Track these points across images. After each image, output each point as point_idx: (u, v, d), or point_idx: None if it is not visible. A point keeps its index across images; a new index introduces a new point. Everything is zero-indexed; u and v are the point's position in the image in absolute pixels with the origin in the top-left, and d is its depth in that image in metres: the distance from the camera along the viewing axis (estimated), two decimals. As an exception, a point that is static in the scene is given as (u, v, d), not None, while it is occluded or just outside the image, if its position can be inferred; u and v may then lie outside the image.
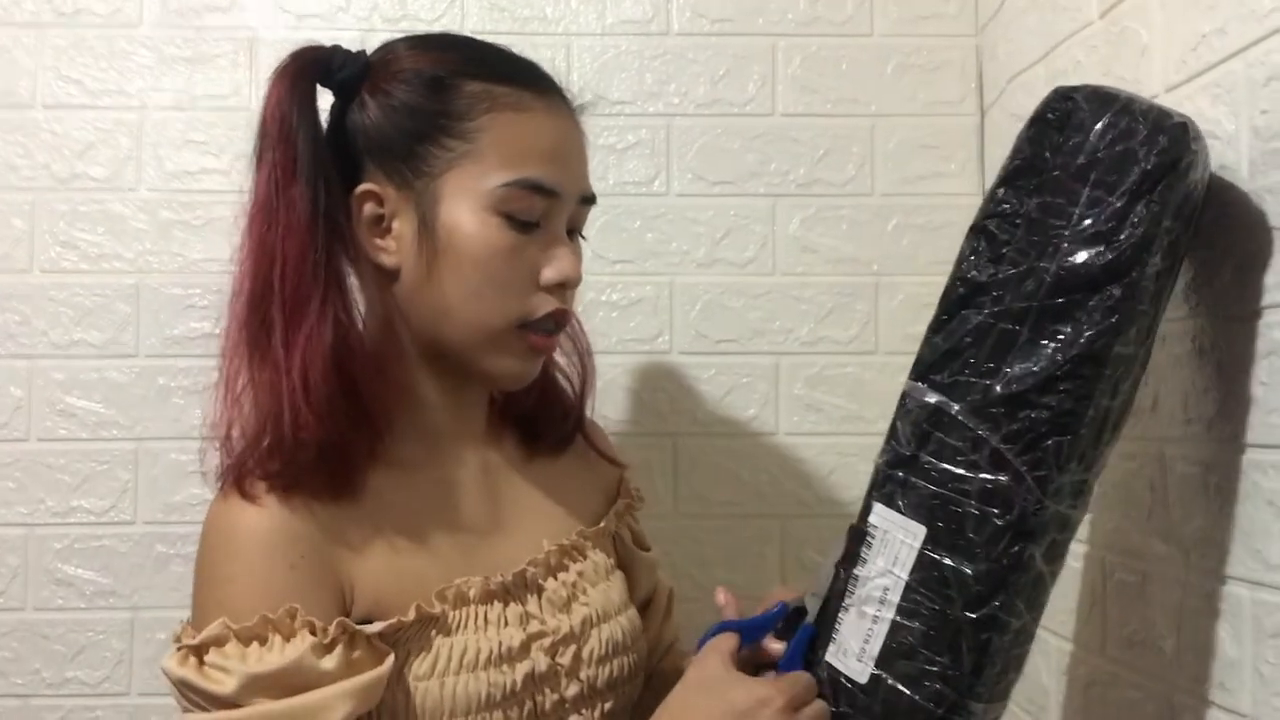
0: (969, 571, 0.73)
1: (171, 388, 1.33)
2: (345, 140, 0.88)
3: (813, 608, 0.84)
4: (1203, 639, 0.83)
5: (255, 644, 0.75)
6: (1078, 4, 1.07)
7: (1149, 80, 0.93)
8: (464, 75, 0.87)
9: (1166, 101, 0.89)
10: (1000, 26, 1.31)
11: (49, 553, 1.31)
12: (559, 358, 1.02)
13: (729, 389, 1.37)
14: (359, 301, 0.90)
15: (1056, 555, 0.76)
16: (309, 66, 0.87)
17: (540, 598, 0.89)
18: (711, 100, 1.39)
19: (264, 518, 0.79)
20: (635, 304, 1.37)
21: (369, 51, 0.91)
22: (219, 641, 0.75)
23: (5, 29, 1.34)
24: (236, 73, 1.36)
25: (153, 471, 1.32)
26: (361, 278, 0.89)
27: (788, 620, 0.85)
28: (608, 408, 1.34)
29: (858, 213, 1.38)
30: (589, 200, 0.92)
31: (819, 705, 0.80)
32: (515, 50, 0.93)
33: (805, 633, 0.83)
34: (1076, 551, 1.01)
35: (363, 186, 0.86)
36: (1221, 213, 0.81)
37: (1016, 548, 0.72)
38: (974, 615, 0.73)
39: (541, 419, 1.01)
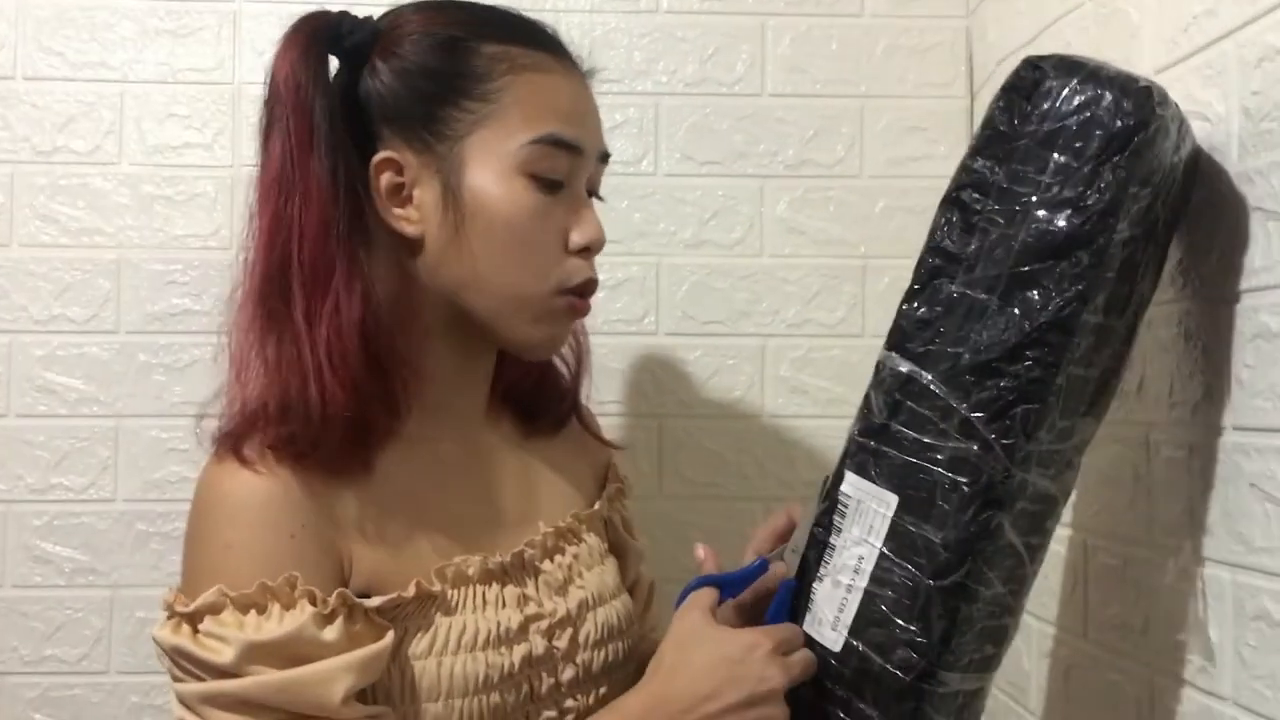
0: (937, 540, 0.74)
1: (152, 364, 1.32)
2: (357, 109, 0.86)
3: (791, 563, 0.84)
4: (1184, 622, 0.83)
5: (253, 612, 0.74)
6: (1069, -15, 1.07)
7: (1139, 62, 0.92)
8: (481, 37, 0.85)
9: (1158, 83, 0.89)
10: (991, 8, 1.30)
11: (28, 529, 1.30)
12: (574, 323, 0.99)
13: (715, 370, 1.37)
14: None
15: (1032, 528, 0.76)
16: (319, 32, 0.85)
17: (537, 580, 0.89)
18: (700, 79, 1.38)
19: (264, 484, 0.77)
20: (622, 284, 1.36)
21: (375, 18, 0.88)
22: (215, 609, 0.74)
23: (-16, -1, 1.32)
24: (220, 46, 1.34)
25: (133, 449, 1.31)
26: (373, 250, 0.85)
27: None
28: (593, 389, 1.32)
29: (846, 194, 1.38)
30: (606, 158, 0.91)
31: (806, 653, 0.80)
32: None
33: (786, 587, 0.83)
34: (1059, 535, 1.01)
35: (381, 154, 0.84)
36: (1209, 194, 0.80)
37: (984, 515, 0.73)
38: (943, 583, 0.74)
39: (539, 400, 1.00)
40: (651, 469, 1.36)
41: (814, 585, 0.81)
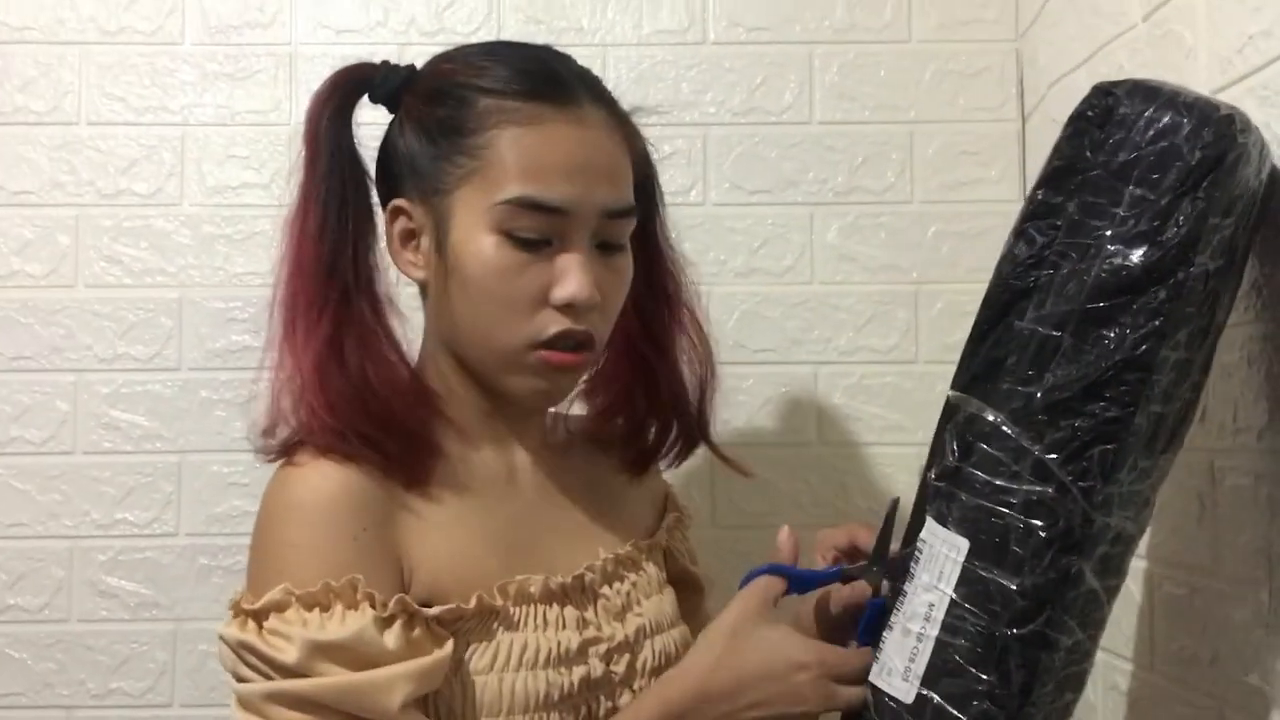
0: (1013, 587, 0.71)
1: (214, 400, 1.34)
2: (386, 155, 0.90)
3: (876, 581, 0.83)
4: (1254, 655, 0.81)
5: (317, 611, 0.76)
6: (1120, 7, 1.06)
7: (1194, 83, 0.91)
8: (479, 90, 0.85)
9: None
10: (1041, 31, 1.29)
11: (93, 565, 1.33)
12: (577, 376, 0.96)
13: (767, 399, 1.36)
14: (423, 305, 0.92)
15: (1112, 570, 0.73)
16: (347, 81, 0.89)
17: (596, 604, 0.90)
18: (748, 109, 1.38)
19: (328, 486, 0.80)
20: (673, 314, 1.36)
21: (417, 66, 0.92)
22: (280, 607, 0.76)
23: (51, 47, 1.36)
24: (277, 88, 1.37)
25: (195, 484, 1.34)
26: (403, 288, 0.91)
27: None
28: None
29: (897, 220, 1.37)
30: (617, 214, 0.87)
31: (858, 691, 0.79)
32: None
33: (874, 606, 0.81)
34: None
35: (394, 202, 0.88)
36: (1271, 216, 0.79)
37: (1064, 561, 0.70)
38: (1020, 632, 0.71)
39: (661, 433, 1.01)
40: (704, 498, 1.36)
41: (882, 634, 0.79)
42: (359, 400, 0.83)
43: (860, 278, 1.37)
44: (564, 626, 0.85)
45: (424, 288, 0.90)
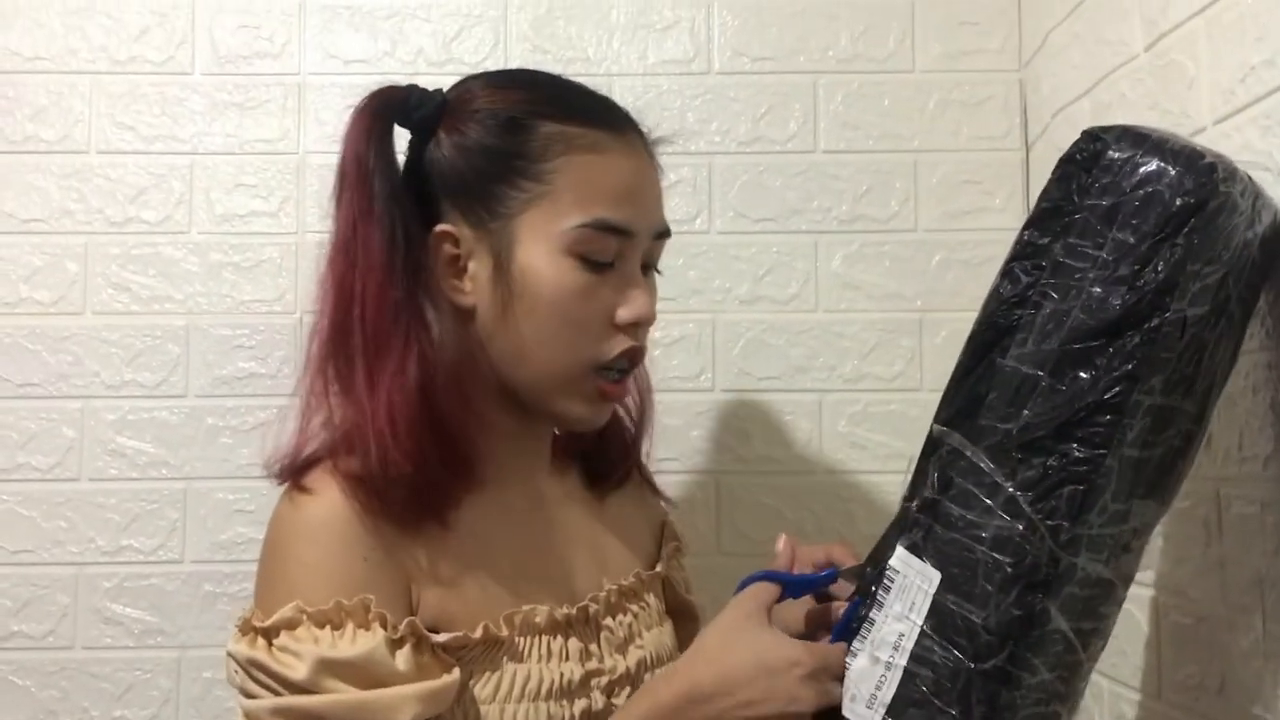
0: (978, 620, 0.72)
1: (220, 427, 1.35)
2: (422, 179, 0.89)
3: (860, 581, 0.83)
4: (1261, 684, 0.81)
5: (329, 629, 0.76)
6: (1122, 37, 1.06)
7: (1197, 113, 0.92)
8: (539, 115, 0.86)
9: (1215, 134, 0.88)
10: (1044, 61, 1.30)
11: (98, 592, 1.33)
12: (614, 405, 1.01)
13: (772, 427, 1.37)
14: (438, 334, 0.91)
15: (1086, 614, 0.72)
16: (385, 106, 0.88)
17: (599, 636, 0.90)
18: (753, 138, 1.39)
19: (341, 508, 0.80)
20: (677, 342, 1.37)
21: (445, 90, 0.91)
22: (291, 625, 0.76)
23: (62, 76, 1.37)
24: (285, 117, 1.38)
25: (200, 511, 1.34)
26: (439, 313, 0.87)
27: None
28: (650, 446, 1.33)
29: (901, 249, 1.38)
30: (663, 235, 0.92)
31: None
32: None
33: (854, 606, 0.81)
34: (1131, 592, 0.99)
35: (440, 227, 0.86)
36: (1273, 247, 0.79)
37: (1028, 599, 0.70)
38: (983, 666, 0.71)
39: (602, 456, 1.02)
40: (709, 526, 1.36)
41: (848, 661, 0.79)
42: (443, 441, 0.82)
43: (864, 306, 1.37)
44: (567, 658, 0.85)
45: (464, 312, 0.87)
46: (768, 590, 0.83)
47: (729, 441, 1.37)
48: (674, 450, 1.36)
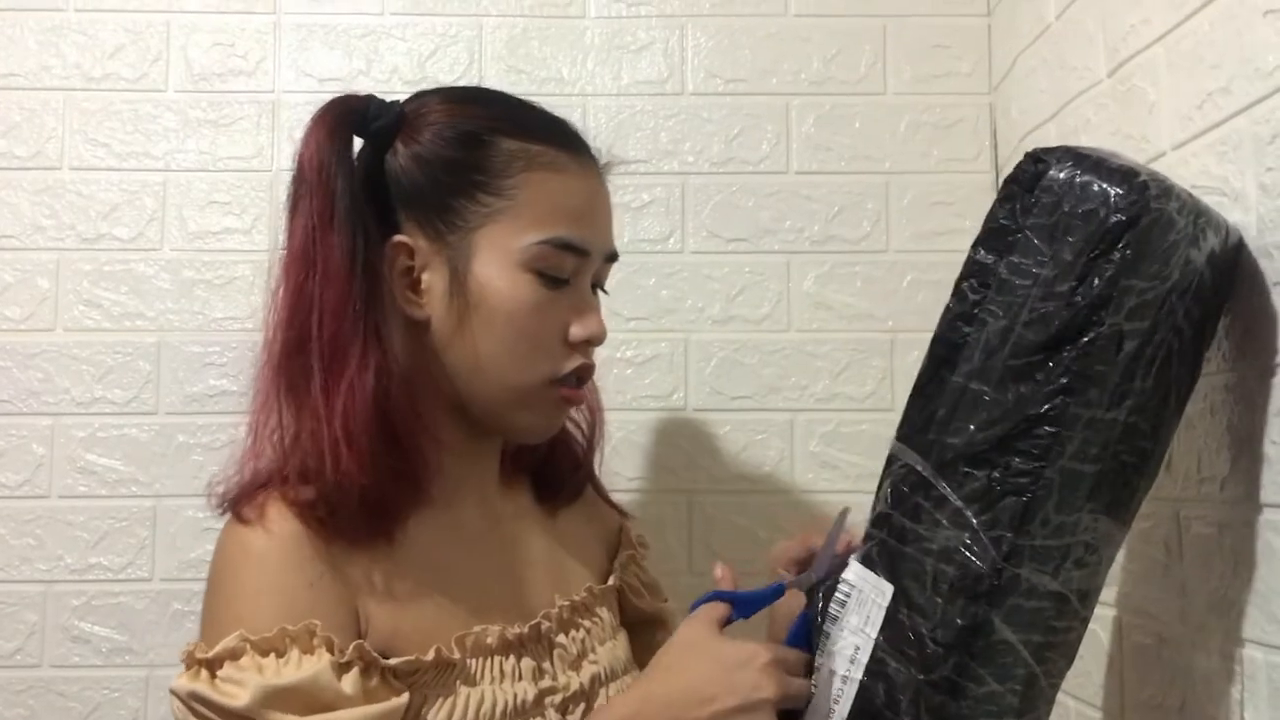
0: (925, 632, 0.73)
1: (190, 445, 1.34)
2: (378, 190, 0.88)
3: (808, 592, 0.84)
4: (1220, 704, 0.81)
5: (272, 656, 0.74)
6: (1087, 62, 1.08)
7: (1157, 138, 0.93)
8: (499, 132, 0.87)
9: (1174, 159, 0.90)
10: (1013, 85, 1.32)
11: (66, 610, 1.32)
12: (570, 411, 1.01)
13: (744, 446, 1.37)
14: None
15: (1035, 626, 0.73)
16: (346, 115, 0.88)
17: (552, 653, 0.89)
18: (726, 159, 1.40)
19: (284, 535, 0.79)
20: (650, 361, 1.38)
21: (402, 102, 0.91)
22: (234, 654, 0.74)
23: (35, 93, 1.37)
24: (259, 135, 1.39)
25: (170, 529, 1.33)
26: (393, 324, 0.86)
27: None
28: (622, 465, 1.34)
29: (872, 269, 1.39)
30: (612, 258, 0.94)
31: (804, 682, 0.79)
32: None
33: (804, 618, 0.83)
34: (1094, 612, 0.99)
35: (396, 238, 0.86)
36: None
37: (972, 609, 0.72)
38: (930, 677, 0.73)
39: (552, 471, 1.02)
40: (681, 545, 1.36)
41: (814, 679, 0.80)
42: (397, 453, 0.82)
43: (836, 326, 1.38)
44: (520, 678, 0.85)
45: (417, 325, 0.87)
46: (718, 609, 0.84)
47: (701, 460, 1.37)
48: (645, 469, 1.36)
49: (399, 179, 0.88)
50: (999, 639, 0.72)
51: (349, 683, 0.75)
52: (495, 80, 1.39)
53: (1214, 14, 0.84)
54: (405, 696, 0.78)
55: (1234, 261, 0.78)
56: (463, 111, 0.89)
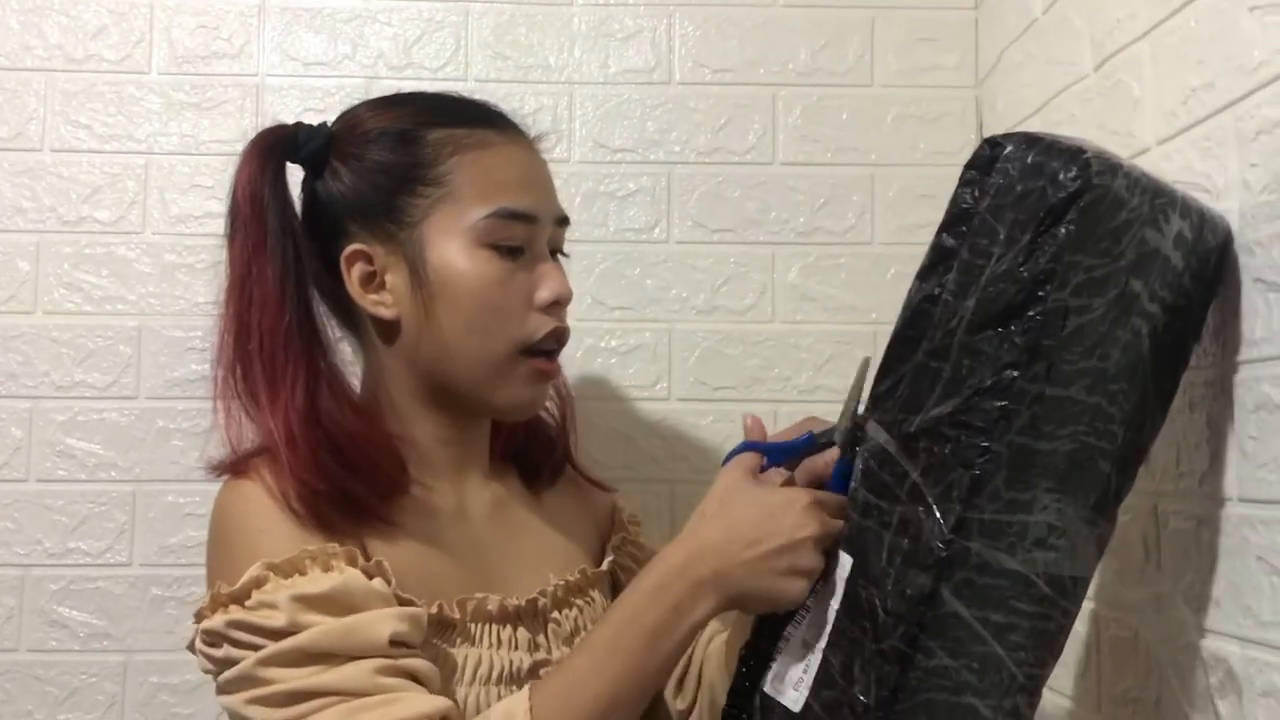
0: (878, 601, 0.75)
1: (171, 429, 1.34)
2: (322, 209, 0.93)
3: (841, 440, 0.85)
4: (1195, 697, 0.82)
5: (297, 575, 0.78)
6: (1072, 57, 1.08)
7: (1141, 133, 0.93)
8: (426, 125, 0.92)
9: (1158, 155, 0.90)
10: (999, 79, 1.32)
11: (44, 594, 1.31)
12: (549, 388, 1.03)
13: (727, 436, 1.37)
14: (358, 360, 0.96)
15: (989, 603, 0.73)
16: (275, 145, 0.92)
17: (547, 628, 0.92)
18: (712, 149, 1.40)
19: (290, 484, 0.82)
20: (634, 350, 1.37)
21: (330, 122, 0.96)
22: (259, 582, 0.78)
23: (16, 74, 1.36)
24: (243, 119, 1.38)
25: (149, 513, 1.32)
26: (362, 336, 0.94)
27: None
28: (606, 454, 1.34)
29: (857, 261, 1.39)
30: (564, 221, 0.97)
31: (842, 524, 0.80)
32: (513, 97, 0.98)
33: (841, 464, 0.83)
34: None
35: (350, 248, 0.90)
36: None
37: (920, 580, 0.73)
38: (881, 646, 0.74)
39: (533, 452, 1.04)
40: (662, 535, 1.35)
41: (778, 645, 0.82)
42: (341, 457, 0.85)
43: (821, 317, 1.38)
44: (517, 647, 0.88)
45: (388, 325, 0.91)
46: (752, 458, 0.86)
47: (684, 451, 1.37)
48: (629, 459, 1.36)
49: (343, 194, 0.92)
50: (949, 610, 0.72)
51: (377, 585, 0.79)
52: (481, 67, 1.39)
53: (1199, 10, 0.84)
54: (424, 610, 0.82)
55: (1221, 253, 0.79)
56: (387, 115, 0.93)
